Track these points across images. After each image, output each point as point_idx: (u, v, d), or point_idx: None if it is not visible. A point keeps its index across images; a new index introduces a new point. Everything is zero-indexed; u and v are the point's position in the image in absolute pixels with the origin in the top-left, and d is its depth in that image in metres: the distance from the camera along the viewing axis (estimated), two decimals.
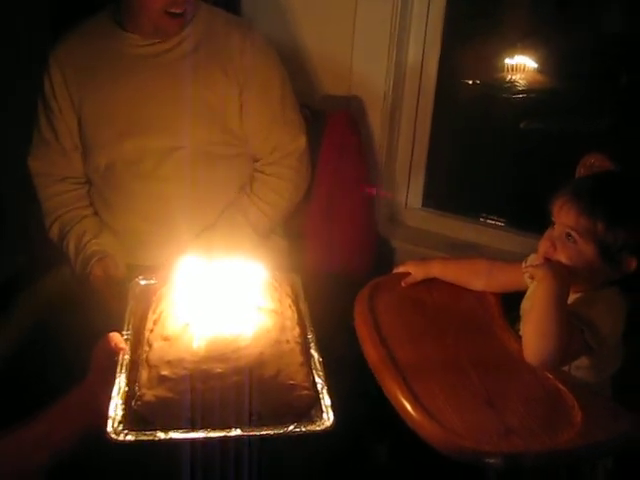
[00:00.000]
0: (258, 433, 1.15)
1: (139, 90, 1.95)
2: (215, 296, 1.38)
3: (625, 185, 1.50)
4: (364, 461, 1.68)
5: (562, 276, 1.42)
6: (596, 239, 1.42)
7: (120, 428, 1.15)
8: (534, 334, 1.42)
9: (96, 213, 2.09)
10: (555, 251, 1.48)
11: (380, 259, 2.41)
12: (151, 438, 1.14)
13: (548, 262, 1.48)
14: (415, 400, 1.33)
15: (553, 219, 1.50)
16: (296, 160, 2.09)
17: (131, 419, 1.17)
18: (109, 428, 1.14)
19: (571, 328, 1.40)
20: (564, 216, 1.46)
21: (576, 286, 1.48)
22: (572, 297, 1.49)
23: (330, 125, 2.23)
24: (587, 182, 1.55)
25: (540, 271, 1.45)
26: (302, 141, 2.10)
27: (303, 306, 1.49)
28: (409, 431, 1.30)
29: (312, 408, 1.22)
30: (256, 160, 2.10)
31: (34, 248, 2.14)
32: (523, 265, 1.62)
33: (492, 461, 1.27)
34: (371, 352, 1.48)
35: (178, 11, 1.88)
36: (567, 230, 1.45)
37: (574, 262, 1.45)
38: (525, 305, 1.64)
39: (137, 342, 1.35)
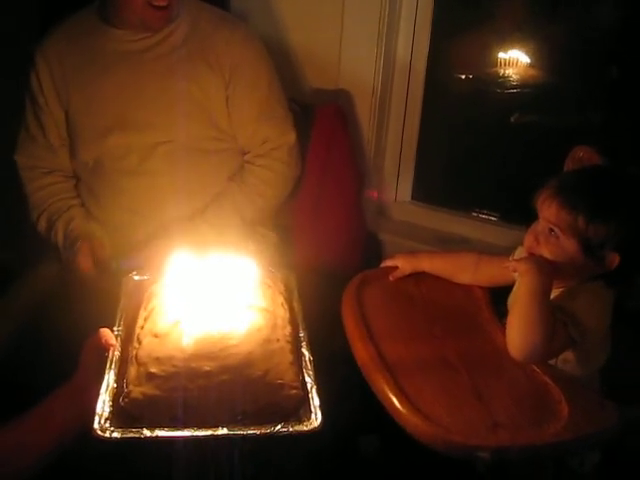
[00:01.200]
0: (244, 432, 1.14)
1: (125, 86, 1.95)
2: (207, 294, 1.37)
3: (608, 180, 1.49)
4: (354, 456, 1.68)
5: (544, 270, 1.42)
6: (577, 234, 1.42)
7: (107, 425, 1.14)
8: (517, 329, 1.42)
9: (83, 205, 2.08)
10: (538, 245, 1.48)
11: (369, 253, 2.41)
12: (137, 436, 1.13)
13: (531, 256, 1.48)
14: (403, 395, 1.33)
15: (537, 212, 1.50)
16: (286, 154, 2.09)
17: (119, 416, 1.17)
18: (96, 425, 1.14)
19: (555, 322, 1.40)
20: (546, 211, 1.46)
21: (560, 281, 1.49)
22: (556, 291, 1.49)
23: (319, 119, 2.23)
24: (570, 177, 1.55)
25: (522, 265, 1.45)
26: (291, 136, 2.10)
27: (296, 304, 1.49)
28: (398, 426, 1.30)
29: (300, 408, 1.21)
30: (246, 152, 2.10)
31: (24, 245, 2.13)
32: (510, 259, 1.62)
33: (480, 455, 1.27)
34: (359, 347, 1.48)
35: (161, 4, 1.86)
36: (550, 225, 1.45)
37: (557, 257, 1.45)
38: (512, 299, 1.64)
39: (127, 339, 1.35)
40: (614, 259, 1.43)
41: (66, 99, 1.98)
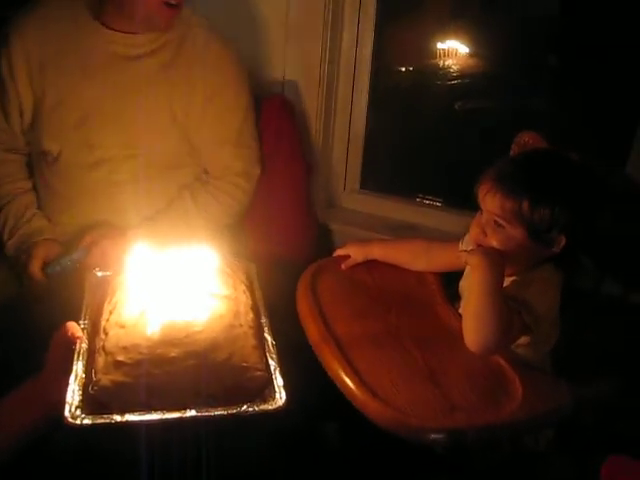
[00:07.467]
0: (212, 413, 1.17)
1: (105, 88, 1.89)
2: (169, 284, 1.40)
3: (546, 164, 1.51)
4: (316, 441, 1.69)
5: (495, 261, 1.43)
6: (523, 221, 1.44)
7: (77, 413, 1.16)
8: (473, 322, 1.44)
9: (34, 188, 2.02)
10: (486, 237, 1.49)
11: (320, 243, 2.41)
12: (107, 421, 1.15)
13: (481, 248, 1.49)
14: (359, 379, 1.35)
15: (480, 205, 1.51)
16: (244, 181, 2.08)
17: (88, 404, 1.19)
18: (66, 413, 1.15)
19: (509, 311, 1.42)
20: (489, 203, 1.47)
21: (510, 269, 1.50)
22: (507, 280, 1.50)
23: (265, 110, 2.22)
24: (508, 165, 1.54)
25: (474, 258, 1.46)
26: (256, 170, 2.10)
27: (257, 292, 1.51)
28: (357, 412, 1.31)
29: (265, 388, 1.24)
30: (205, 172, 2.08)
31: None
32: (459, 246, 1.65)
33: (437, 437, 1.29)
34: (314, 333, 1.50)
35: (175, 1, 1.80)
36: (494, 217, 1.47)
37: (505, 246, 1.47)
38: (463, 284, 1.67)
39: (94, 331, 1.36)
40: (561, 241, 1.45)
41: (40, 88, 1.90)
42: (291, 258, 2.21)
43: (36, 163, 2.01)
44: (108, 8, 1.85)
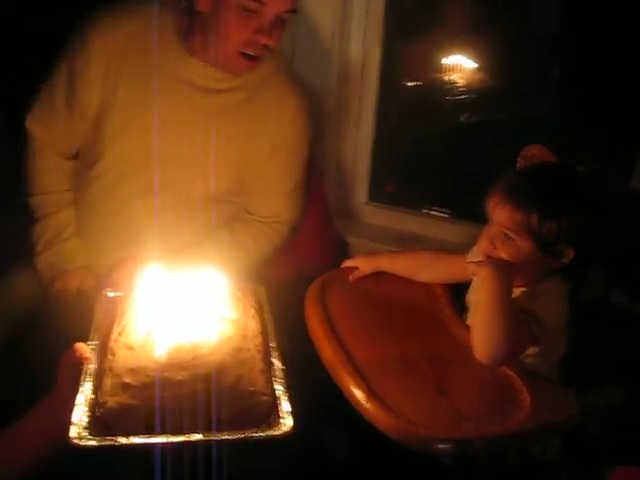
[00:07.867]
0: (218, 438, 1.16)
1: (174, 116, 1.86)
2: (179, 306, 1.39)
3: (556, 177, 1.53)
4: (325, 457, 1.69)
5: (504, 273, 1.45)
6: (532, 234, 1.45)
7: (84, 434, 1.15)
8: (482, 334, 1.45)
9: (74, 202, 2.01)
10: (495, 249, 1.51)
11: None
12: (112, 443, 1.14)
13: (490, 259, 1.51)
14: (369, 390, 1.36)
15: (489, 216, 1.53)
16: (287, 230, 2.09)
17: (95, 426, 1.18)
18: (72, 434, 1.15)
19: (518, 323, 1.43)
20: (499, 214, 1.49)
21: (519, 280, 1.51)
22: (516, 292, 1.52)
23: None
24: (517, 178, 1.57)
25: (483, 270, 1.47)
26: (299, 218, 2.10)
27: (267, 316, 1.49)
28: (367, 424, 1.32)
29: (272, 414, 1.23)
30: (249, 212, 2.07)
31: None
32: (467, 257, 1.66)
33: (446, 448, 1.29)
34: (324, 346, 1.51)
35: (254, 54, 1.78)
36: (504, 229, 1.49)
37: (514, 258, 1.48)
38: (470, 297, 1.68)
39: (103, 352, 1.35)
40: (569, 253, 1.47)
41: (109, 95, 1.85)
42: (314, 272, 2.20)
43: (82, 174, 1.96)
44: (195, 36, 1.83)
